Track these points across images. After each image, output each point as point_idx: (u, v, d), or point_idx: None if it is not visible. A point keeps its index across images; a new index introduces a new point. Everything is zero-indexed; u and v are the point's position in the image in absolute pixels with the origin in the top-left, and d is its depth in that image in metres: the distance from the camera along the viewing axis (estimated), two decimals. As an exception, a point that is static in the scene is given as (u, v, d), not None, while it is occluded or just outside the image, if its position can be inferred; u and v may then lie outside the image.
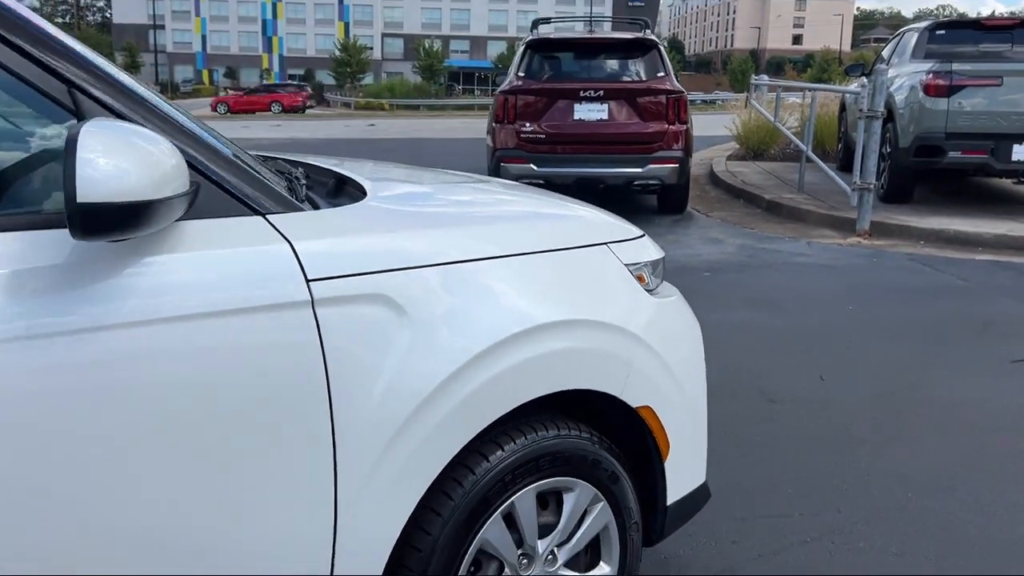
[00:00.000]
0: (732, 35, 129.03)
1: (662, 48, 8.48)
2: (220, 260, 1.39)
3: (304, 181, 1.78)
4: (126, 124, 1.25)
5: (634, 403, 1.94)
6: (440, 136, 22.62)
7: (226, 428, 1.39)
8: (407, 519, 1.61)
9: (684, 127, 8.14)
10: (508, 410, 1.72)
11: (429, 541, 1.65)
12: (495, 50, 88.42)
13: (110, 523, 1.31)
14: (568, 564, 1.93)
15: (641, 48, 8.39)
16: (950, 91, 7.78)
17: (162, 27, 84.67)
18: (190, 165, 1.35)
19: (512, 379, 1.71)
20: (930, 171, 8.37)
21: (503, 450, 1.74)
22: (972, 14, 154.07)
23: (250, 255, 1.43)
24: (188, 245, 1.36)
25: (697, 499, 2.22)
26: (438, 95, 64.10)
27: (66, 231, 1.22)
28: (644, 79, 8.25)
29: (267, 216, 1.48)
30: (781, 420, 3.62)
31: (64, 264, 1.26)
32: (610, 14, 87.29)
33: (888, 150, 8.33)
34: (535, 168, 7.90)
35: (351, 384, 1.50)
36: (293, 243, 1.47)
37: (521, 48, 8.61)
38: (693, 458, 2.18)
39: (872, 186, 7.57)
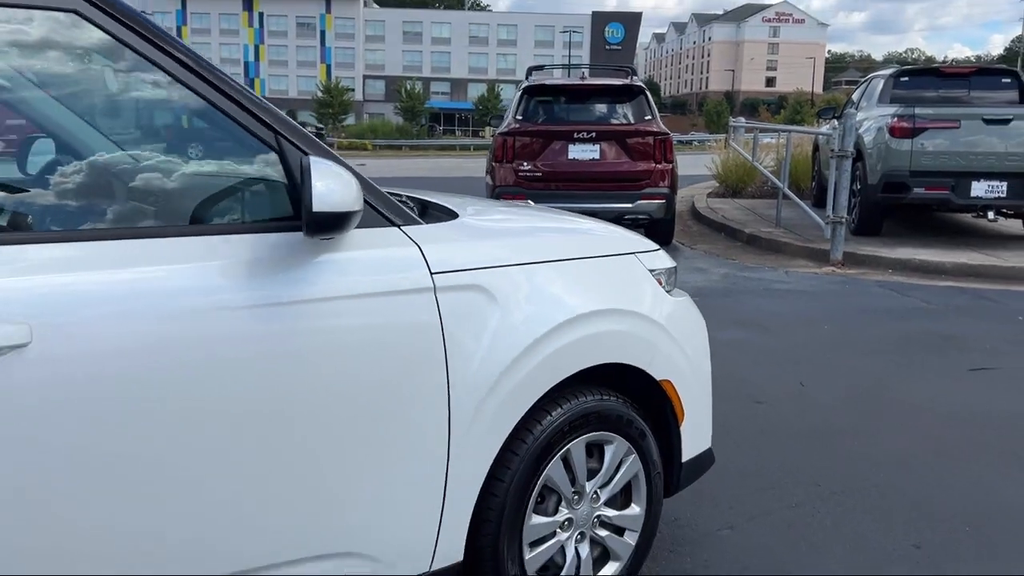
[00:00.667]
0: (707, 77, 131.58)
1: (648, 94, 9.15)
2: (377, 256, 1.94)
3: (411, 204, 2.33)
4: (328, 160, 1.80)
5: (658, 376, 2.49)
6: (431, 175, 23.24)
7: (381, 374, 1.93)
8: (495, 456, 2.14)
9: (670, 166, 8.79)
10: (566, 376, 2.26)
11: (509, 475, 2.18)
12: (475, 92, 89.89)
13: (327, 439, 1.84)
14: (607, 503, 2.46)
15: (629, 93, 9.06)
16: (913, 133, 8.48)
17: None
18: (354, 189, 1.90)
19: (569, 352, 2.26)
20: (897, 206, 9.06)
21: (561, 408, 2.28)
22: (939, 57, 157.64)
23: (395, 254, 1.97)
24: (356, 245, 1.91)
25: (704, 460, 2.77)
26: (420, 136, 65.11)
27: (278, 233, 1.77)
28: (633, 122, 8.90)
29: (401, 227, 2.03)
30: (767, 417, 4.17)
31: (280, 255, 1.81)
32: (588, 58, 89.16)
33: (858, 187, 9.00)
34: (532, 204, 8.47)
35: (459, 349, 2.04)
36: (420, 246, 2.02)
37: (518, 93, 9.25)
38: (702, 425, 2.73)
39: (844, 220, 8.23)
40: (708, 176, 15.00)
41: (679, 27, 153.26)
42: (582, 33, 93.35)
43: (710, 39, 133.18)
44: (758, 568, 2.77)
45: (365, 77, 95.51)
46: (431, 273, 2.01)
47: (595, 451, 2.41)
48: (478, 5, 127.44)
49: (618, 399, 2.42)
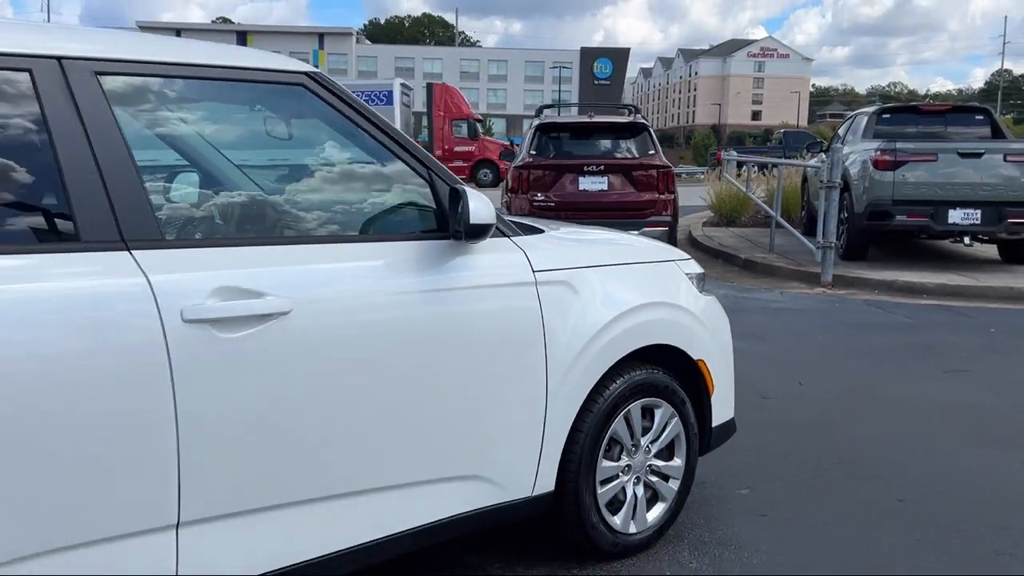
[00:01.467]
0: (693, 111, 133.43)
1: (651, 130, 9.93)
2: (497, 259, 2.64)
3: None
4: (473, 189, 2.51)
5: (695, 356, 3.19)
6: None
7: (502, 344, 2.61)
8: (577, 412, 2.83)
9: (672, 196, 9.54)
10: (626, 353, 2.95)
11: (586, 427, 2.86)
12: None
13: (466, 389, 2.52)
14: (656, 456, 3.14)
15: (634, 130, 9.82)
16: (895, 165, 9.26)
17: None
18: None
19: (629, 334, 2.95)
20: (881, 233, 9.82)
21: (623, 378, 2.97)
22: (922, 91, 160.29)
23: (508, 257, 2.67)
24: (483, 250, 2.61)
25: (729, 428, 3.47)
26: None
27: (430, 241, 2.47)
28: (638, 156, 9.65)
29: (511, 238, 2.73)
30: (773, 409, 4.86)
31: (434, 256, 2.50)
32: (577, 93, 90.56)
33: (845, 215, 9.76)
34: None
35: (553, 329, 2.73)
36: (525, 252, 2.72)
37: (532, 130, 10.00)
38: (726, 399, 3.42)
39: (833, 245, 8.98)
40: (703, 206, 15.79)
41: (665, 62, 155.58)
42: (571, 69, 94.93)
43: (696, 74, 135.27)
44: (770, 513, 3.45)
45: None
46: (533, 271, 2.71)
47: (647, 414, 3.10)
48: (468, 41, 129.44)
49: (664, 373, 3.12)
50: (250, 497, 2.14)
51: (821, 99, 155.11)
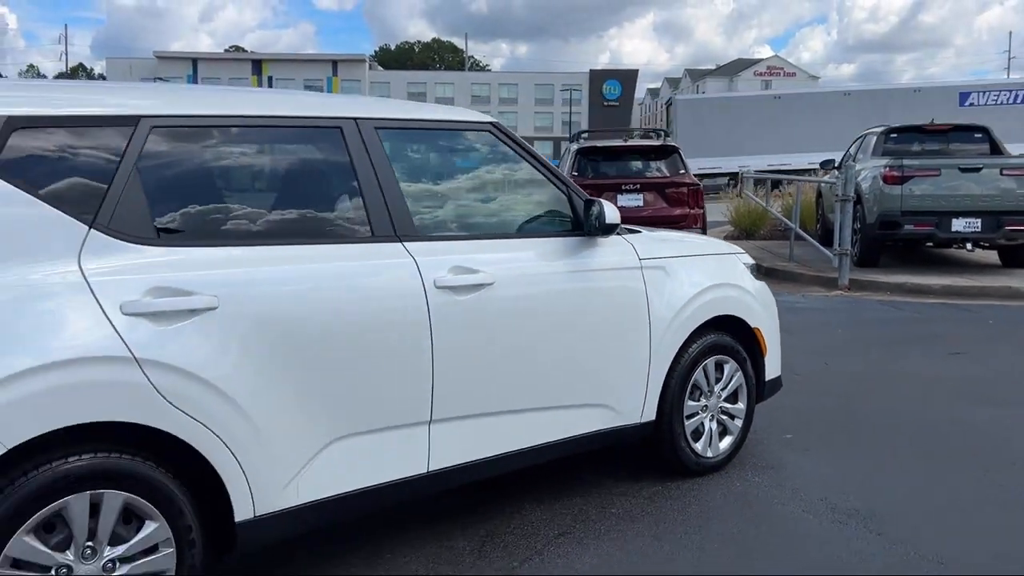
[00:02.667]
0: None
1: (680, 152, 11.00)
2: (615, 249, 3.69)
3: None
4: (604, 201, 3.56)
5: (752, 324, 4.23)
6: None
7: (621, 311, 3.67)
8: (670, 363, 3.87)
9: (701, 211, 10.59)
10: (703, 321, 3.99)
11: (675, 375, 3.90)
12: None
13: (600, 340, 3.57)
14: (725, 400, 4.18)
15: (665, 152, 10.90)
16: (903, 180, 10.28)
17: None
18: (602, 214, 3.67)
19: (705, 307, 4.00)
20: (891, 241, 10.84)
21: (701, 340, 4.01)
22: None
23: (622, 248, 3.73)
24: (606, 244, 3.66)
25: (777, 383, 4.50)
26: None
27: (571, 237, 3.54)
28: (669, 175, 10.71)
29: (622, 235, 3.79)
30: (804, 382, 5.87)
31: (572, 248, 3.56)
32: (587, 115, 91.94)
33: (859, 225, 10.78)
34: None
35: (653, 302, 3.78)
36: (634, 245, 3.78)
37: (572, 154, 11.09)
38: (775, 360, 4.46)
39: (849, 252, 10.01)
40: (723, 222, 16.82)
41: (673, 82, 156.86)
42: (581, 91, 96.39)
43: (704, 93, 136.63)
44: (811, 450, 4.48)
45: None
46: (639, 259, 3.77)
47: (718, 367, 4.14)
48: (478, 65, 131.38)
49: (730, 337, 4.16)
50: (471, 406, 3.19)
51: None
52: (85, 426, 2.32)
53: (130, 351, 2.39)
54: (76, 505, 2.34)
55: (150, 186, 2.60)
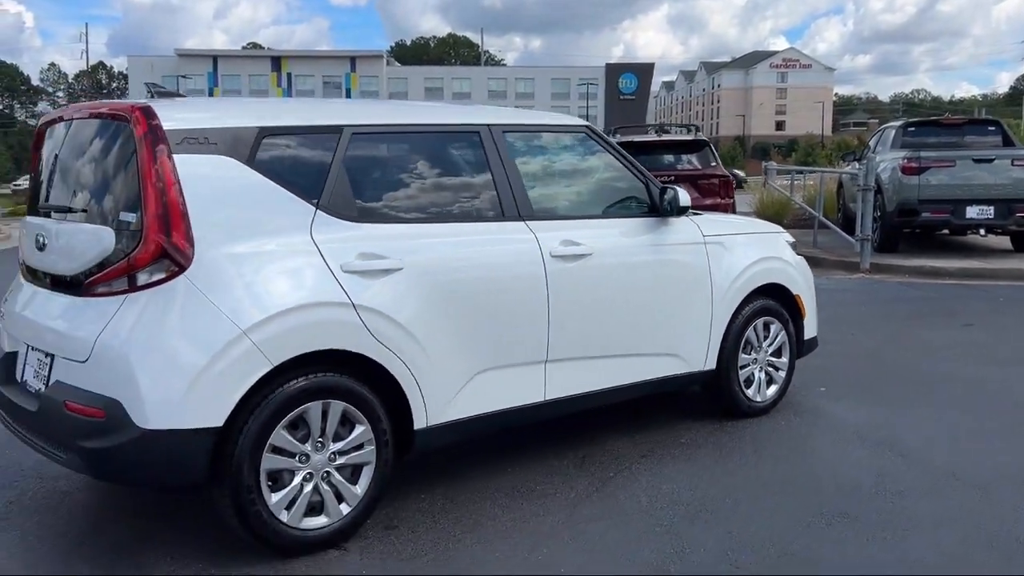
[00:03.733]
0: (717, 123, 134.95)
1: (712, 145, 11.79)
2: (684, 228, 4.53)
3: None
4: (678, 187, 4.40)
5: (794, 291, 5.06)
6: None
7: (689, 277, 4.51)
8: (727, 323, 4.71)
9: (731, 200, 11.38)
10: (754, 288, 4.83)
11: (732, 332, 4.74)
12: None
13: (674, 301, 4.41)
14: (771, 355, 5.01)
15: (697, 145, 11.69)
16: (920, 171, 11.04)
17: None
18: (676, 199, 4.51)
19: (755, 276, 4.83)
20: (909, 227, 11.60)
21: (753, 303, 4.84)
22: (946, 97, 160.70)
23: (690, 227, 4.57)
24: (676, 223, 4.49)
25: (813, 343, 5.34)
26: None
27: (648, 218, 4.38)
28: (701, 167, 11.50)
29: (690, 217, 4.62)
30: (833, 349, 6.66)
31: (650, 226, 4.40)
32: (603, 109, 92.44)
33: (879, 213, 11.55)
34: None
35: (713, 271, 4.61)
36: (699, 224, 4.62)
37: (611, 148, 11.90)
38: (812, 322, 5.29)
39: (870, 238, 10.79)
40: (749, 212, 17.60)
41: (688, 75, 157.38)
42: (597, 85, 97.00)
43: (719, 86, 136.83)
44: (844, 400, 5.30)
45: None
46: (703, 236, 4.61)
47: (766, 327, 4.97)
48: (493, 60, 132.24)
49: (776, 302, 4.99)
50: (576, 350, 4.04)
51: (844, 108, 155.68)
52: (318, 353, 3.19)
53: (349, 298, 3.25)
54: (313, 410, 3.20)
55: (352, 178, 3.46)
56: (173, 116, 3.14)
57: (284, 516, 3.16)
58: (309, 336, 3.15)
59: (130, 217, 3.07)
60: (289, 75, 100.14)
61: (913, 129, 12.56)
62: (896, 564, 3.17)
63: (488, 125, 3.94)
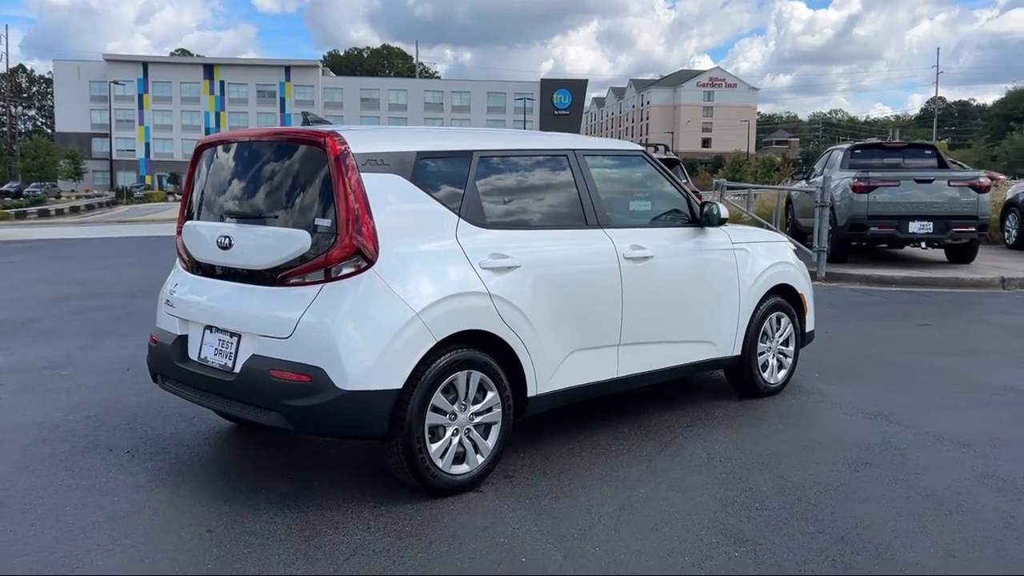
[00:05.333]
0: (647, 139, 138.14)
1: (681, 163, 12.81)
2: (718, 236, 5.43)
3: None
4: (717, 202, 5.29)
5: (799, 291, 6.01)
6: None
7: (722, 277, 5.40)
8: (751, 315, 5.62)
9: (700, 214, 12.41)
10: (769, 287, 5.76)
11: (753, 323, 5.65)
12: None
13: (710, 295, 5.30)
14: (781, 344, 5.94)
15: (670, 164, 12.70)
16: (868, 189, 12.23)
17: (106, 135, 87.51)
18: (711, 211, 5.40)
19: (770, 278, 5.76)
20: (859, 240, 12.79)
21: (768, 301, 5.77)
22: (862, 117, 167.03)
23: (722, 235, 5.47)
24: (712, 232, 5.39)
25: (811, 335, 6.30)
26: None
27: (689, 227, 5.27)
28: (672, 184, 12.50)
29: (720, 227, 5.52)
30: (815, 344, 7.63)
31: (691, 235, 5.28)
32: (538, 123, 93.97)
33: (830, 227, 12.70)
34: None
35: (740, 272, 5.52)
36: (728, 233, 5.53)
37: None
38: (812, 317, 6.24)
39: (826, 249, 11.93)
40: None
41: (618, 92, 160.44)
42: (533, 99, 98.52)
43: (648, 103, 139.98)
44: (834, 382, 6.26)
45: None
46: (732, 243, 5.51)
47: (778, 321, 5.89)
48: (427, 72, 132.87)
49: (785, 299, 5.92)
50: (641, 336, 4.87)
51: (767, 126, 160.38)
52: (464, 332, 3.96)
53: (486, 288, 4.04)
54: (460, 378, 3.97)
55: (481, 192, 4.25)
56: (357, 142, 3.89)
57: (440, 463, 3.92)
58: (460, 318, 3.93)
59: (325, 222, 3.80)
60: (222, 83, 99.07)
61: (859, 151, 13.81)
62: (919, 497, 4.08)
63: (573, 149, 4.77)
